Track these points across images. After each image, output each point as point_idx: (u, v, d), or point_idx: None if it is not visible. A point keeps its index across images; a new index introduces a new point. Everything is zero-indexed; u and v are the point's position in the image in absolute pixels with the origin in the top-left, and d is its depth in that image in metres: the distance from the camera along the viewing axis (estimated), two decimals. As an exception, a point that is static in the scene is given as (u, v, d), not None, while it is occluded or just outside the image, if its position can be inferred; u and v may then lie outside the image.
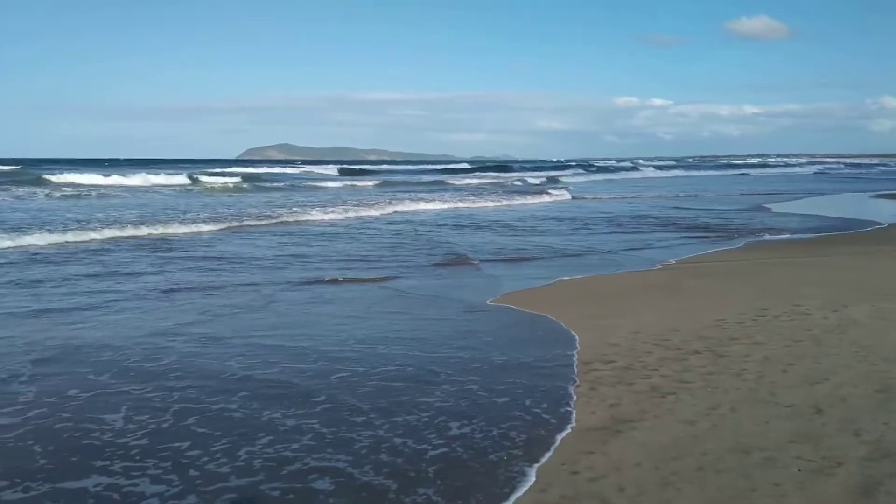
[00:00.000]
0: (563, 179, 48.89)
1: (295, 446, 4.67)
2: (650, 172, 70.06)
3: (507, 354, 6.71)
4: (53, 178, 39.63)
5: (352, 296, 9.57)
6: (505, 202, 27.84)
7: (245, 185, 38.12)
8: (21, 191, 31.33)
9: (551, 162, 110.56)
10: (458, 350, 6.88)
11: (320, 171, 59.87)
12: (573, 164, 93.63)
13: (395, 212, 23.27)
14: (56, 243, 14.43)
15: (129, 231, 16.31)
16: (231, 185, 37.97)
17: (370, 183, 43.86)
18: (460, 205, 26.21)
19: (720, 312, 8.27)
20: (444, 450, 4.60)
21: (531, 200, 28.83)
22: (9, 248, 13.66)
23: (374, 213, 22.54)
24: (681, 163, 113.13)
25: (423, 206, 25.20)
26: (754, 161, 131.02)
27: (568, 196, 31.01)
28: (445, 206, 25.66)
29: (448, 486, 4.14)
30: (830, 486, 4.00)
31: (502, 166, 78.03)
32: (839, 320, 7.79)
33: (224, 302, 9.12)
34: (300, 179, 47.86)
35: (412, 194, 31.23)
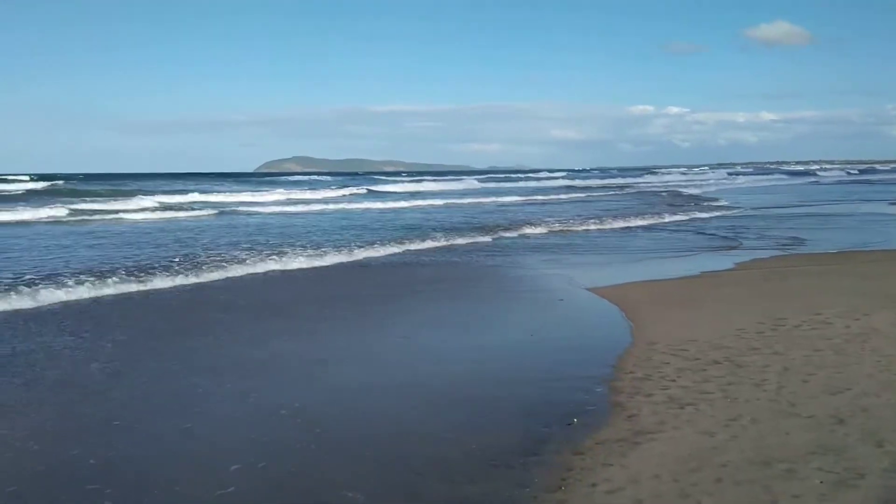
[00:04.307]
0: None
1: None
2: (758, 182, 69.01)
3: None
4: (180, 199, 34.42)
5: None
6: (699, 214, 27.67)
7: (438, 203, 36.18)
8: (185, 214, 26.63)
9: (572, 171, 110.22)
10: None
11: (451, 188, 56.30)
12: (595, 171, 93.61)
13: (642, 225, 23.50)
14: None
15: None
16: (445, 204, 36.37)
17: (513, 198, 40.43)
18: (679, 218, 26.07)
19: (738, 322, 8.21)
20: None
21: (708, 214, 27.95)
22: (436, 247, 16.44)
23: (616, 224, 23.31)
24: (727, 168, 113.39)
25: (660, 219, 25.43)
26: (815, 168, 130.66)
27: (739, 210, 30.04)
28: (673, 218, 25.85)
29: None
30: (853, 499, 3.94)
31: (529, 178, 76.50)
32: (860, 329, 7.68)
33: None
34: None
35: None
